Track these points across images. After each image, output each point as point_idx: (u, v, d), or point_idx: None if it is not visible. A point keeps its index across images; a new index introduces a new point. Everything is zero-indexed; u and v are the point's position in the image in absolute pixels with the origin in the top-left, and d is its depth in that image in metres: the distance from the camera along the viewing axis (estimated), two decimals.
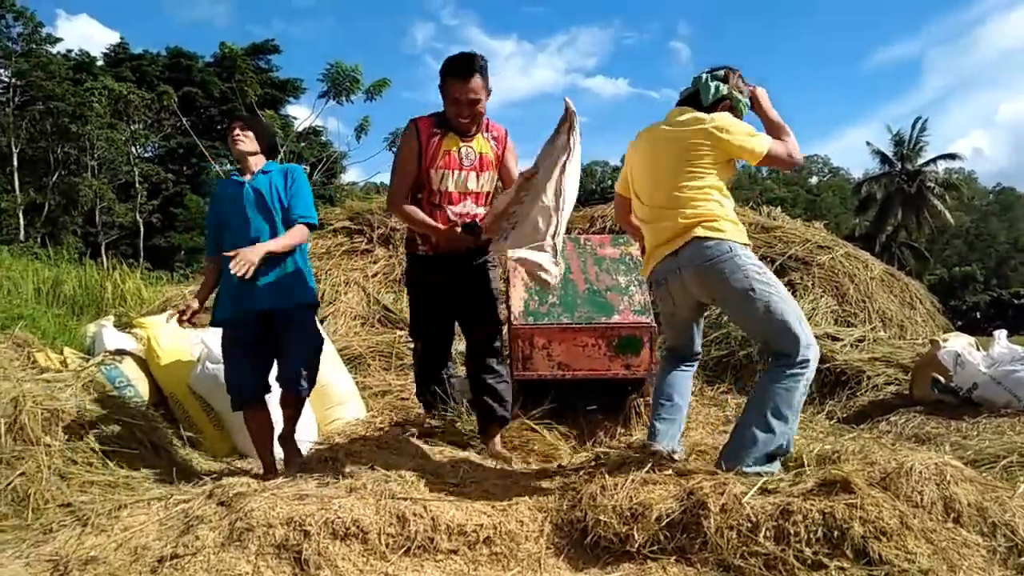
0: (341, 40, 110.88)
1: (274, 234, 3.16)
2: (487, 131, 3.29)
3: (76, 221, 25.92)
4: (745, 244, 2.70)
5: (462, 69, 3.07)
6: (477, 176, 3.25)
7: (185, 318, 3.17)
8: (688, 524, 2.23)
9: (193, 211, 28.56)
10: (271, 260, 3.10)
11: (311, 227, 3.29)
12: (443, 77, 3.12)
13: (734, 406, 4.43)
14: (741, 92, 2.88)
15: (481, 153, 3.26)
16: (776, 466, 2.53)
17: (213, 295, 3.31)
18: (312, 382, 3.26)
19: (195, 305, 3.21)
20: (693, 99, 2.89)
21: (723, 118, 2.75)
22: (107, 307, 7.20)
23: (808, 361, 2.55)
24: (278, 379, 3.22)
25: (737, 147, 2.72)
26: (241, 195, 3.21)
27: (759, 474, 2.43)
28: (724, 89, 2.84)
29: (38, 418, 2.99)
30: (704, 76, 2.89)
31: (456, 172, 3.20)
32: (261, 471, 3.27)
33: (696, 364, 3.06)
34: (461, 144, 3.21)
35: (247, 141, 3.28)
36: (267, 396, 3.26)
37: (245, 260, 2.92)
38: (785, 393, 2.53)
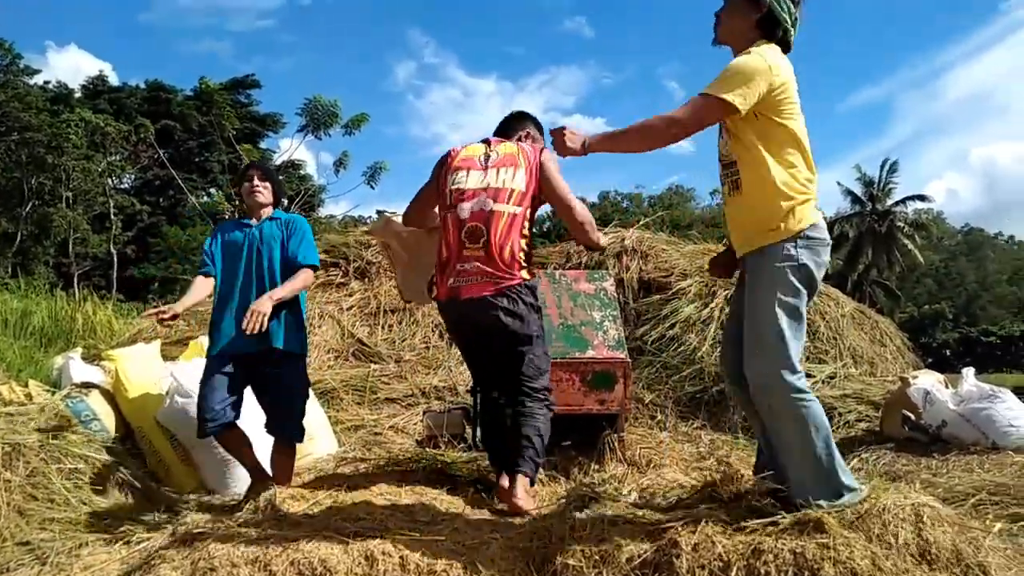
0: (325, 77, 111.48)
1: (274, 277, 3.23)
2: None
3: (48, 252, 25.56)
4: None
5: None
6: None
7: (165, 317, 3.10)
8: (660, 563, 2.20)
9: (171, 242, 28.27)
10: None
11: (314, 269, 3.37)
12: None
13: (707, 442, 4.43)
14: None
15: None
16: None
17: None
18: (303, 429, 3.32)
19: (178, 309, 3.17)
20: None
21: None
22: (76, 339, 7.05)
23: None
24: (272, 428, 3.26)
25: None
26: (246, 238, 3.29)
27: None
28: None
29: None
30: None
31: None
32: (246, 486, 3.22)
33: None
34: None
35: (265, 193, 3.39)
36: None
37: (258, 315, 2.96)
38: None
